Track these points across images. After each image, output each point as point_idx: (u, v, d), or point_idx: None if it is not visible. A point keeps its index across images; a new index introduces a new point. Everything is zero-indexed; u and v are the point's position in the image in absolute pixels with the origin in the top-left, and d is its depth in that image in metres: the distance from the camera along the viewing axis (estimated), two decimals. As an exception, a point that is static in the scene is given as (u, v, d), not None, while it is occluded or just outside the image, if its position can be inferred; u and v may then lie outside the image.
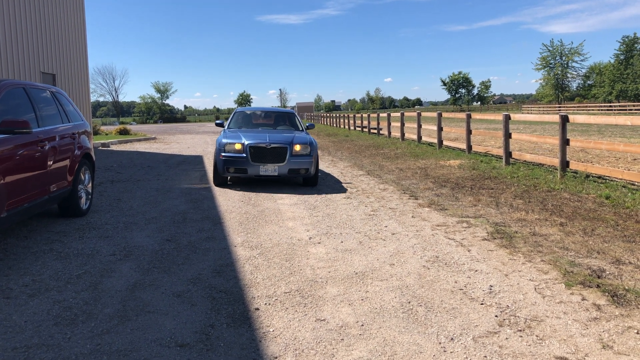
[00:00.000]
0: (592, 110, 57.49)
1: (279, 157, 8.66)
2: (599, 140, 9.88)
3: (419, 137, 17.60)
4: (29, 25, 15.28)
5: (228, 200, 7.80)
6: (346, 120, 34.25)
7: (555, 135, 9.77)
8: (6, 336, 3.19)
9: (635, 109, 51.57)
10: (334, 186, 9.30)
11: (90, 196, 6.96)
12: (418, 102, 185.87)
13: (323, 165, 12.57)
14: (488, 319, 3.43)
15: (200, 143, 22.20)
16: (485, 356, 2.94)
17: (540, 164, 10.72)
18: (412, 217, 6.58)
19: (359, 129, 29.01)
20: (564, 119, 9.05)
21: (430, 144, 16.88)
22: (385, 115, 22.62)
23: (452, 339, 3.16)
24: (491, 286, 4.04)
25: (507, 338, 3.16)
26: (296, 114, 11.38)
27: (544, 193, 7.82)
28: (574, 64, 75.98)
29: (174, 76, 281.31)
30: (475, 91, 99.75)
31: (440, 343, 3.11)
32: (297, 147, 8.79)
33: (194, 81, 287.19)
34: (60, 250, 5.08)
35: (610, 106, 57.48)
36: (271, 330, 3.30)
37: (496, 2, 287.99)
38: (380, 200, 7.76)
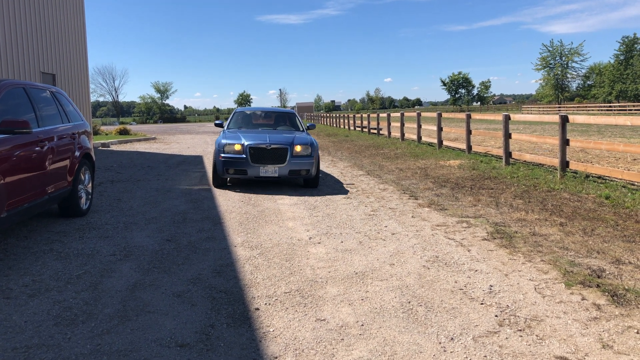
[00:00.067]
0: (592, 110, 57.52)
1: (280, 158, 8.55)
2: (598, 141, 9.88)
3: (419, 137, 17.60)
4: (29, 25, 15.28)
5: (228, 200, 7.80)
6: (346, 121, 34.26)
7: (555, 136, 9.78)
8: (6, 336, 3.19)
9: (635, 109, 51.59)
10: (334, 186, 9.30)
11: (90, 196, 6.96)
12: (418, 102, 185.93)
13: (323, 166, 12.57)
14: (488, 319, 3.43)
15: (200, 143, 22.20)
16: (485, 356, 2.94)
17: (540, 164, 10.73)
18: (412, 217, 6.58)
19: (359, 129, 29.01)
20: (564, 119, 9.05)
21: (430, 144, 16.89)
22: (385, 115, 22.62)
23: (452, 338, 3.16)
24: (491, 286, 4.04)
25: (507, 338, 3.16)
26: (297, 114, 11.26)
27: (543, 193, 7.82)
28: (573, 64, 76.06)
29: (174, 76, 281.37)
30: (475, 91, 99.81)
31: (440, 343, 3.11)
32: (298, 148, 8.68)
33: (194, 81, 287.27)
34: (60, 250, 5.08)
35: (610, 106, 57.50)
36: (271, 330, 3.30)
37: (496, 2, 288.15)
38: (380, 200, 7.76)
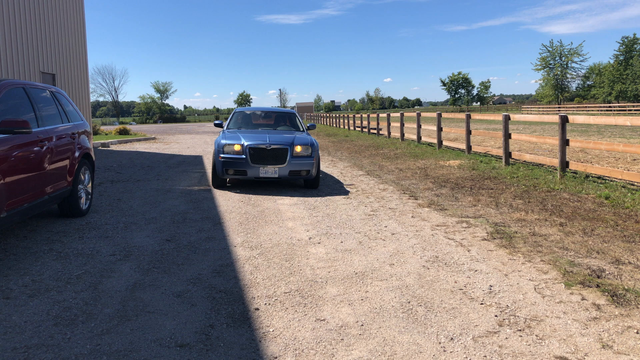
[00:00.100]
0: (592, 110, 57.53)
1: (280, 158, 8.48)
2: (598, 141, 9.89)
3: (419, 138, 17.60)
4: (28, 25, 15.28)
5: (228, 201, 7.80)
6: (346, 121, 34.26)
7: (555, 136, 9.78)
8: (6, 336, 3.19)
9: (635, 110, 51.61)
10: (334, 186, 9.30)
11: (90, 196, 6.96)
12: (418, 102, 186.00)
13: (323, 166, 12.57)
14: (488, 319, 3.43)
15: (200, 143, 22.20)
16: (485, 356, 2.94)
17: (540, 164, 10.73)
18: (412, 217, 6.58)
19: (359, 129, 29.02)
20: (564, 120, 9.05)
21: (429, 144, 16.89)
22: (384, 115, 22.62)
23: (451, 338, 3.16)
24: (491, 286, 4.04)
25: (506, 338, 3.16)
26: (297, 114, 11.16)
27: (543, 193, 7.82)
28: (573, 65, 76.06)
29: (174, 76, 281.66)
30: (474, 91, 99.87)
31: (440, 343, 3.11)
32: (298, 148, 8.60)
33: (193, 81, 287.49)
34: (60, 250, 5.08)
35: (610, 106, 57.52)
36: (271, 330, 3.30)
37: (496, 2, 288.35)
38: (380, 201, 7.76)
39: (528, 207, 6.90)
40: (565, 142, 9.00)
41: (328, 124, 45.76)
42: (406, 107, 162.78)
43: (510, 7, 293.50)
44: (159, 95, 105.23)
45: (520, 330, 3.26)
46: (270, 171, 8.45)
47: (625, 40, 67.29)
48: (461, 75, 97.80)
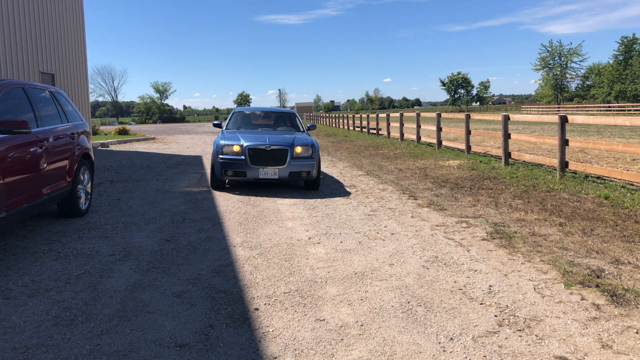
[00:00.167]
0: (591, 110, 57.57)
1: (279, 159, 8.34)
2: (598, 141, 9.90)
3: (418, 138, 17.61)
4: (28, 25, 15.27)
5: (227, 201, 7.79)
6: (345, 121, 34.26)
7: (554, 136, 9.79)
8: (5, 337, 3.19)
9: (634, 110, 51.65)
10: (333, 186, 9.30)
11: (89, 196, 6.96)
12: (417, 102, 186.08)
13: (322, 166, 12.57)
14: (487, 319, 3.43)
15: (199, 143, 22.20)
16: (485, 356, 2.94)
17: (540, 164, 10.73)
18: (412, 217, 6.58)
19: (358, 129, 29.02)
20: (563, 120, 9.06)
21: (429, 144, 16.89)
22: (384, 115, 22.62)
23: (451, 338, 3.16)
24: (490, 286, 4.04)
25: (506, 338, 3.16)
26: (297, 114, 11.04)
27: (543, 193, 7.82)
28: (573, 65, 76.13)
29: (173, 76, 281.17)
30: (474, 91, 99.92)
31: (439, 343, 3.11)
32: (299, 149, 8.47)
33: (193, 81, 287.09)
34: (59, 250, 5.08)
35: (609, 107, 57.56)
36: (271, 330, 3.30)
37: (495, 2, 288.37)
38: (380, 201, 7.77)
39: (527, 207, 6.90)
40: (564, 142, 9.01)
41: (327, 124, 45.77)
42: (406, 107, 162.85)
43: (509, 7, 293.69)
44: (158, 95, 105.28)
45: (520, 330, 3.26)
46: (269, 172, 8.32)
47: (625, 40, 67.37)
48: (461, 76, 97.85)
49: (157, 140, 25.57)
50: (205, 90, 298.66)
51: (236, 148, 8.40)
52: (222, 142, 8.59)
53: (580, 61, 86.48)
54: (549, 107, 67.12)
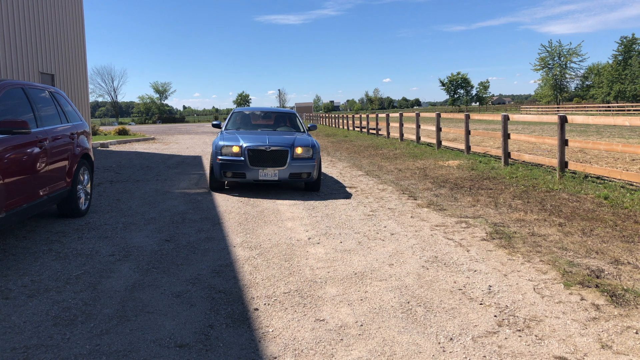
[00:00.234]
0: (591, 110, 57.60)
1: (280, 160, 8.22)
2: (597, 141, 9.90)
3: (418, 138, 17.61)
4: (27, 25, 15.26)
5: (227, 201, 7.79)
6: (345, 121, 34.26)
7: (554, 136, 9.79)
8: (5, 337, 3.19)
9: (634, 110, 51.68)
10: (333, 186, 9.30)
11: (89, 196, 6.96)
12: (417, 102, 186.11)
13: (322, 166, 12.57)
14: (487, 319, 3.44)
15: (199, 143, 22.20)
16: (485, 356, 2.94)
17: (539, 164, 10.74)
18: (411, 217, 6.58)
19: (358, 129, 29.02)
20: (563, 120, 9.06)
21: (429, 145, 16.90)
22: (384, 115, 22.62)
23: (451, 339, 3.16)
24: (490, 286, 4.04)
25: (506, 338, 3.16)
26: (297, 114, 10.94)
27: (542, 193, 7.83)
28: (572, 65, 76.12)
29: (173, 76, 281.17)
30: (473, 92, 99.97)
31: (439, 343, 3.11)
32: (299, 150, 8.35)
33: (192, 82, 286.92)
34: (59, 250, 5.08)
35: (609, 107, 57.59)
36: (270, 330, 3.30)
37: (495, 2, 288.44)
38: (379, 201, 7.77)
39: (527, 207, 6.90)
40: (564, 142, 9.01)
41: (327, 124, 45.77)
42: (405, 107, 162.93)
43: (509, 7, 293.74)
44: (158, 95, 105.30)
45: (519, 330, 3.27)
46: (269, 174, 8.20)
47: (624, 40, 67.40)
48: (460, 76, 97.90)
49: (156, 140, 25.57)
50: (204, 91, 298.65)
51: (235, 149, 8.29)
52: (221, 142, 8.48)
53: (580, 61, 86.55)
54: (548, 107, 67.15)
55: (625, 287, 3.91)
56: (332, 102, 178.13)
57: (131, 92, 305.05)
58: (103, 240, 5.47)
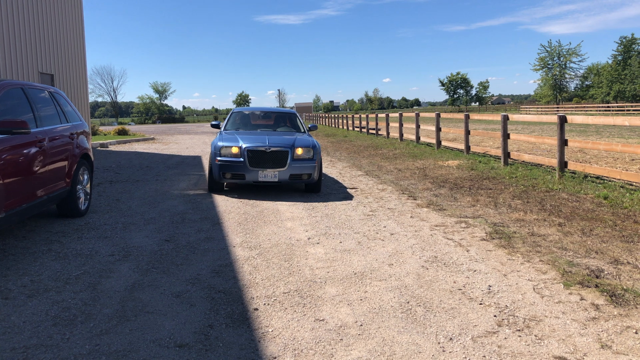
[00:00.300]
0: (590, 110, 57.61)
1: (280, 161, 8.08)
2: (597, 141, 9.90)
3: (418, 138, 17.61)
4: (27, 25, 15.26)
5: (227, 201, 7.79)
6: (345, 121, 34.26)
7: (554, 136, 9.79)
8: (5, 337, 3.19)
9: (633, 110, 51.69)
10: (333, 186, 9.30)
11: (88, 196, 6.95)
12: (416, 102, 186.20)
13: (322, 166, 12.56)
14: (487, 319, 3.44)
15: (198, 144, 22.20)
16: (484, 356, 2.94)
17: (539, 164, 10.74)
18: (411, 217, 6.58)
19: (358, 129, 29.02)
20: (562, 120, 9.07)
21: (428, 145, 16.90)
22: (383, 115, 22.62)
23: (451, 338, 3.16)
24: (490, 286, 4.04)
25: (505, 338, 3.16)
26: (297, 114, 10.80)
27: (542, 193, 7.83)
28: (572, 65, 76.16)
29: (173, 77, 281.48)
30: (473, 92, 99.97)
31: (439, 343, 3.11)
32: (299, 151, 8.22)
33: (192, 82, 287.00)
34: (58, 250, 5.08)
35: (608, 107, 57.60)
36: (270, 330, 3.30)
37: (495, 2, 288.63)
38: (379, 201, 7.77)
39: (527, 207, 6.90)
40: (563, 142, 9.01)
41: (327, 124, 45.78)
42: (405, 107, 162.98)
43: (509, 7, 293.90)
44: (157, 95, 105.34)
45: (519, 330, 3.27)
46: (269, 175, 8.06)
47: (624, 40, 67.42)
48: (460, 76, 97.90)
49: (156, 140, 25.56)
50: (204, 91, 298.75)
51: (235, 150, 8.17)
52: (220, 143, 8.34)
53: (579, 61, 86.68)
54: (548, 107, 67.16)
55: (624, 287, 3.91)
56: (331, 102, 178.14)
57: (131, 92, 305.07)
58: (103, 240, 5.47)
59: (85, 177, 6.86)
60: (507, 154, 11.11)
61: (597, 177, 9.01)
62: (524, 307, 3.62)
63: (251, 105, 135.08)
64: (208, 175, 8.61)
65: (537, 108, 68.69)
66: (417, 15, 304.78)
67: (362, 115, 28.10)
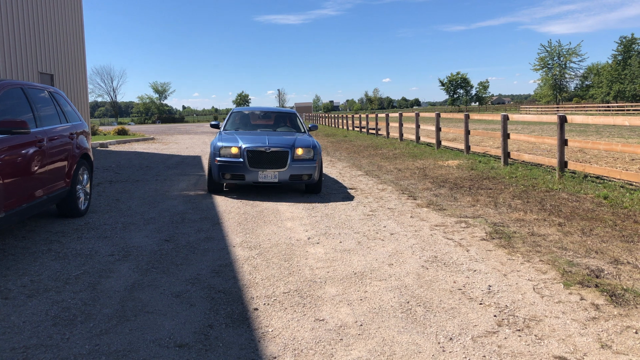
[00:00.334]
0: (590, 110, 57.61)
1: (280, 162, 8.01)
2: (597, 141, 9.90)
3: (417, 138, 17.61)
4: (26, 25, 15.25)
5: (226, 201, 7.79)
6: (344, 121, 34.26)
7: (553, 136, 9.79)
8: (4, 337, 3.18)
9: (633, 110, 51.70)
10: (333, 186, 9.29)
11: (88, 196, 6.95)
12: (416, 102, 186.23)
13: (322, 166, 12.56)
14: (487, 319, 3.43)
15: (198, 143, 22.19)
16: (484, 356, 2.94)
17: (539, 164, 10.74)
18: (411, 217, 6.58)
19: (357, 129, 29.02)
20: (562, 120, 9.06)
21: (428, 144, 16.90)
22: (383, 115, 22.62)
23: (451, 338, 3.16)
24: (490, 286, 4.04)
25: (505, 338, 3.16)
26: (297, 114, 10.70)
27: (542, 193, 7.83)
28: (571, 65, 76.17)
29: (172, 76, 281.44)
30: (473, 92, 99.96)
31: (439, 343, 3.11)
32: (300, 151, 8.15)
33: (192, 82, 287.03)
34: (58, 250, 5.07)
35: (608, 106, 57.61)
36: (270, 330, 3.30)
37: (495, 2, 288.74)
38: (379, 201, 7.77)
39: (527, 207, 6.90)
40: (563, 142, 9.01)
41: (327, 124, 45.78)
42: (405, 107, 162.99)
43: (509, 7, 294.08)
44: (157, 95, 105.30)
45: (519, 330, 3.26)
46: (269, 175, 7.99)
47: (624, 40, 67.43)
48: (460, 76, 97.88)
49: (156, 140, 25.56)
50: (204, 91, 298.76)
51: (234, 150, 8.10)
52: (220, 143, 8.27)
53: (579, 61, 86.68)
54: (548, 107, 67.17)
55: (624, 287, 3.91)
56: (331, 102, 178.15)
57: (130, 92, 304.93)
58: (102, 240, 5.46)
59: (85, 177, 6.85)
60: (507, 154, 11.11)
61: (597, 177, 9.01)
62: (524, 307, 3.62)
63: (251, 105, 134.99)
64: (207, 176, 8.53)
65: (537, 108, 68.68)
66: (417, 15, 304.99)
67: (362, 115, 28.10)
